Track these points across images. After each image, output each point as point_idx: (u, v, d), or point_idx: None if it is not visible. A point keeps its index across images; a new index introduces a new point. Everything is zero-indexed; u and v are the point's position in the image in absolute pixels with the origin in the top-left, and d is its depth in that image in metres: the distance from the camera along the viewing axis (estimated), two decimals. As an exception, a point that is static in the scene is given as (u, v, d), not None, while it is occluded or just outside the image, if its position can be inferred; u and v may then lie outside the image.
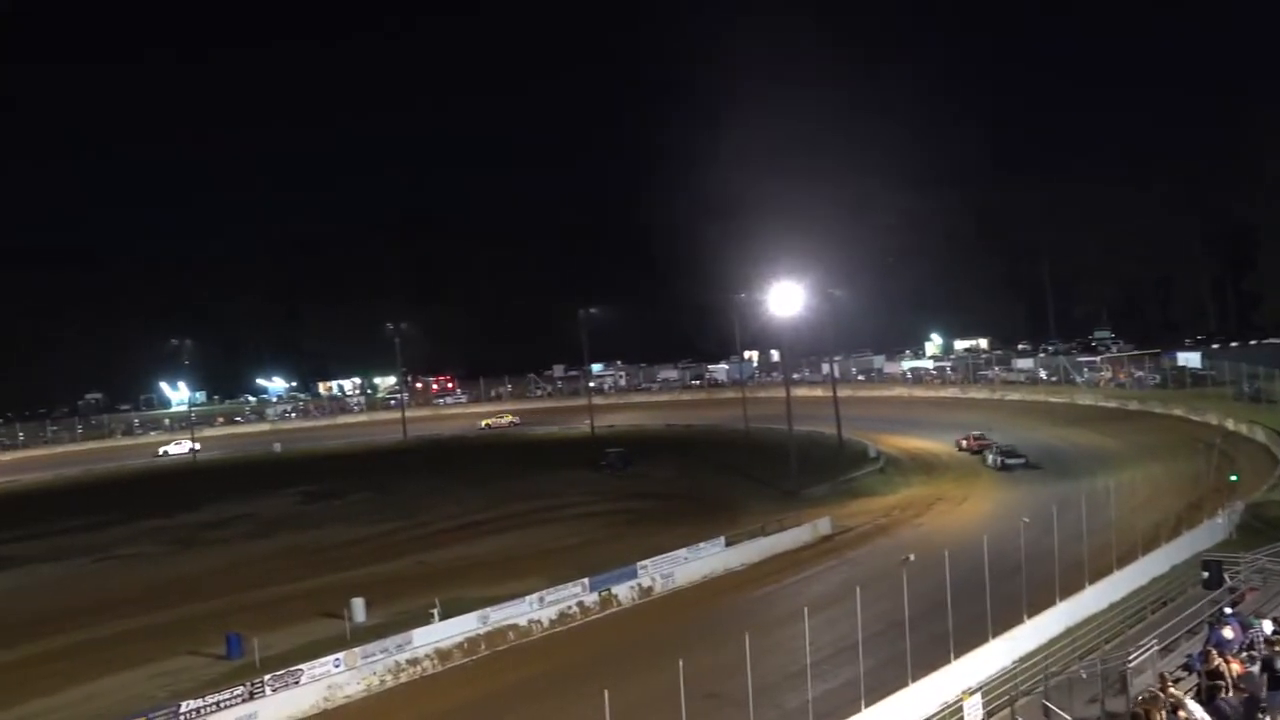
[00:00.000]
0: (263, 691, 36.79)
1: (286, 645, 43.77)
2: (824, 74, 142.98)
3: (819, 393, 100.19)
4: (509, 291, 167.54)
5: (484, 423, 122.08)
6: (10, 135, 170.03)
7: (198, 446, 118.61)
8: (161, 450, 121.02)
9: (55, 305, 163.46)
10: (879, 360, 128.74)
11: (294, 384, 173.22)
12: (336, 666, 39.12)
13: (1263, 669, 22.19)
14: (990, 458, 74.39)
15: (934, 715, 31.27)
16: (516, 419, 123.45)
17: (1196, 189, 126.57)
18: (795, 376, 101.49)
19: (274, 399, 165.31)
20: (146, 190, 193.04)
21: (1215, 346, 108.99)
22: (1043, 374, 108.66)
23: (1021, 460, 72.86)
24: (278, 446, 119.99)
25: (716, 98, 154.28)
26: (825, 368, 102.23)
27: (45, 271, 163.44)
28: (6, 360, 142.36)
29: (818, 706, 30.62)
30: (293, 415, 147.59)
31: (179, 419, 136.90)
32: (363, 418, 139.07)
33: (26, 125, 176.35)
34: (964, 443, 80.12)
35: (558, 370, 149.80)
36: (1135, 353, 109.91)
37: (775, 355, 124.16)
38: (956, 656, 34.09)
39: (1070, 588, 39.96)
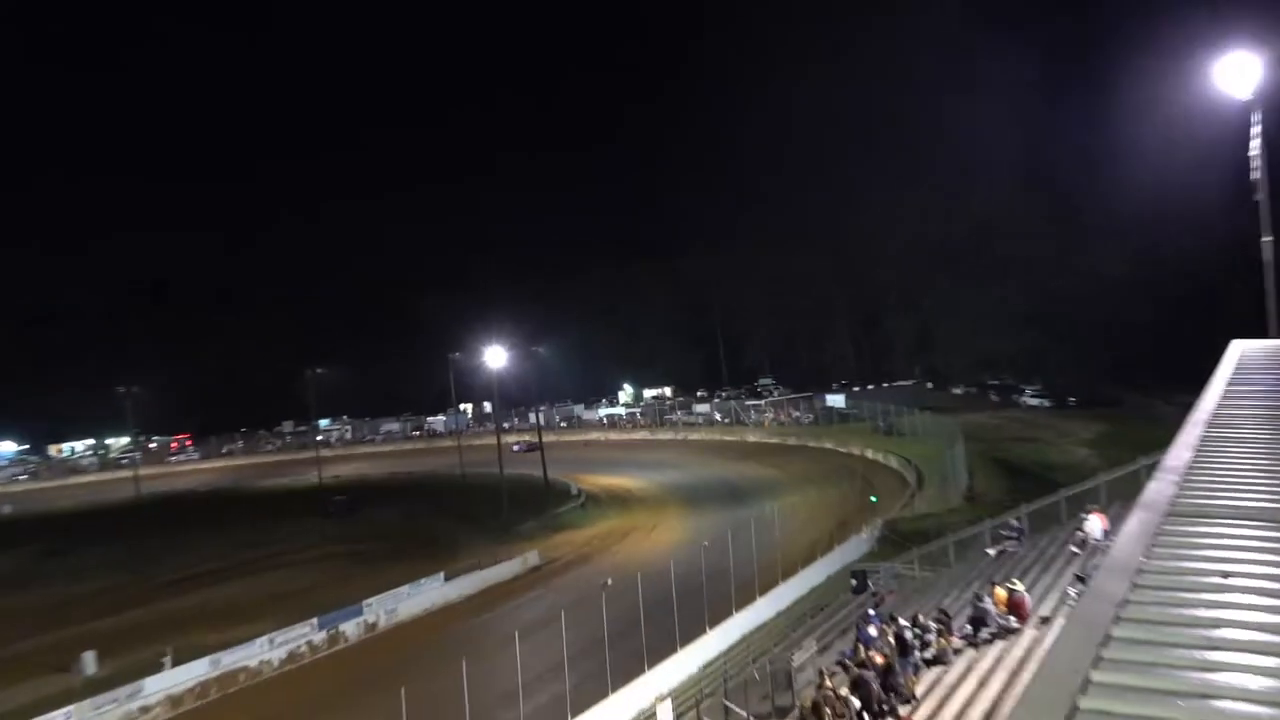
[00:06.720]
0: (-13, 754, 32.53)
1: (10, 705, 38.44)
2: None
3: (527, 438, 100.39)
4: (241, 355, 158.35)
5: None
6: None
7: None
8: None
9: None
10: (579, 408, 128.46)
11: (26, 446, 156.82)
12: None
13: (896, 640, 24.25)
14: None
15: (630, 721, 31.01)
16: None
17: (842, 259, 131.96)
18: (505, 425, 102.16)
19: (3, 462, 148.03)
20: None
21: (856, 389, 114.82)
22: (718, 416, 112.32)
23: None
24: (7, 508, 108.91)
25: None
26: (532, 417, 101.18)
27: None
28: None
29: (530, 722, 29.71)
30: (23, 478, 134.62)
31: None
32: (93, 478, 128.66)
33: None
34: None
35: (287, 426, 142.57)
36: (793, 396, 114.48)
37: (488, 406, 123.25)
38: (650, 667, 34.62)
39: (745, 600, 41.41)
